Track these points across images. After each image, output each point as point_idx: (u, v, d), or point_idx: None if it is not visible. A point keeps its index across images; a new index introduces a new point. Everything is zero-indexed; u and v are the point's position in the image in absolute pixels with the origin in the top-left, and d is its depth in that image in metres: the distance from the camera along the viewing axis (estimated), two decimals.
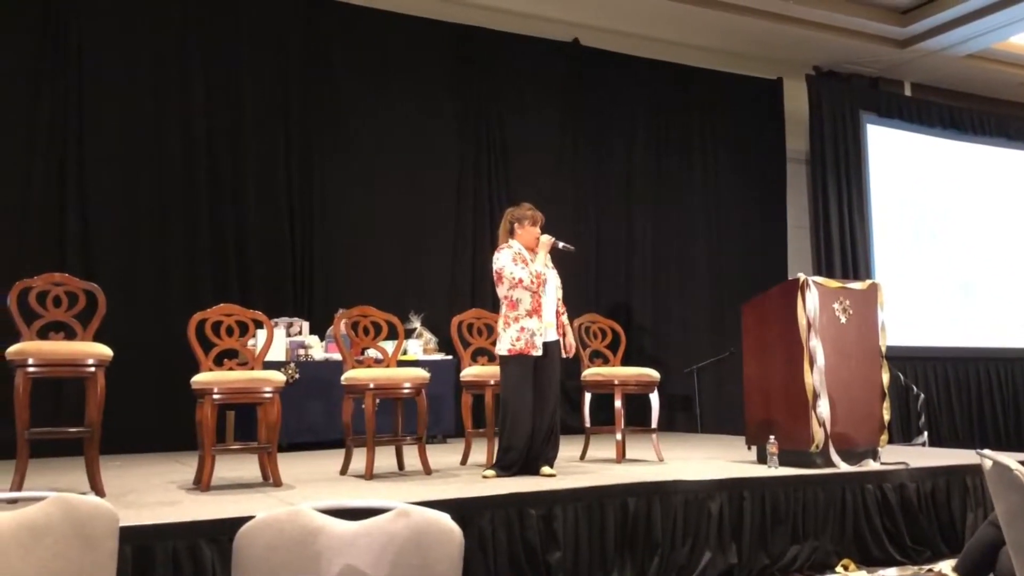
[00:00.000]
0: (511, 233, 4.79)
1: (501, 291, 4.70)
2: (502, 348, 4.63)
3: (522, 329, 4.58)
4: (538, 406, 4.58)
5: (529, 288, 4.60)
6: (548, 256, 4.80)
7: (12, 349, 3.76)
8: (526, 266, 4.64)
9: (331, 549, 1.54)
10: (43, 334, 3.93)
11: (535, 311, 4.60)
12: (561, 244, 4.81)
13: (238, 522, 1.80)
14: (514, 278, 4.60)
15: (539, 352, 4.57)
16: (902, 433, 9.16)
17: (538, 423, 4.57)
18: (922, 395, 8.91)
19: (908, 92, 11.02)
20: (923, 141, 10.80)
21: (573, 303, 8.25)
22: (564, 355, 4.83)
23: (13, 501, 1.81)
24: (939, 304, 10.48)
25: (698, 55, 9.62)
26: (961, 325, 10.59)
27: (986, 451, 2.81)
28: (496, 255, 4.73)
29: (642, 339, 8.86)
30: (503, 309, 4.68)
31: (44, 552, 1.59)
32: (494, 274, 4.72)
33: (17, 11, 6.68)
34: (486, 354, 5.44)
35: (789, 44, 9.65)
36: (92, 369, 3.83)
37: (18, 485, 3.70)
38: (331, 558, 1.53)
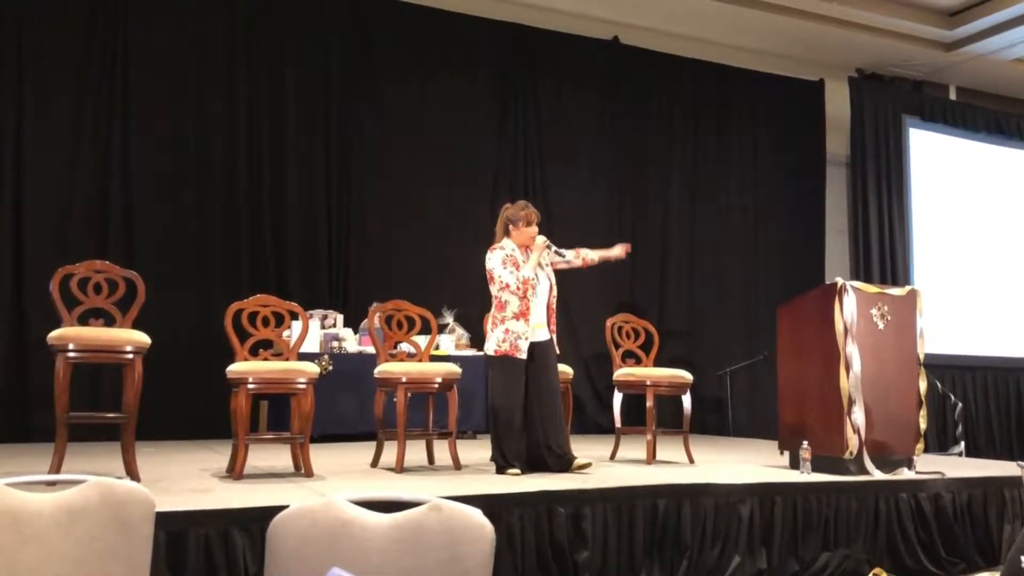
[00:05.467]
0: (507, 232, 4.78)
1: (492, 290, 4.72)
2: (489, 348, 4.68)
3: (507, 331, 4.59)
4: (536, 407, 4.58)
5: (515, 294, 4.61)
6: (546, 253, 4.80)
7: (53, 334, 3.83)
8: (516, 270, 4.64)
9: (363, 541, 1.55)
10: (83, 320, 3.99)
11: (522, 315, 4.60)
12: (554, 248, 4.79)
13: (270, 511, 1.82)
14: (502, 282, 4.63)
15: (522, 355, 4.58)
16: (938, 442, 9.02)
17: (543, 423, 4.58)
18: (959, 404, 8.76)
19: (953, 96, 10.84)
20: (967, 146, 10.62)
21: (606, 302, 8.30)
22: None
23: (52, 483, 1.84)
24: (979, 312, 10.29)
25: (739, 55, 9.53)
26: (1002, 334, 10.40)
27: None
28: (488, 255, 4.75)
29: (675, 340, 8.79)
30: (493, 308, 4.72)
31: (82, 534, 1.62)
32: (487, 272, 4.74)
33: (65, 8, 6.79)
34: None
35: (832, 46, 9.52)
36: (130, 356, 3.88)
37: (57, 468, 3.76)
38: (363, 550, 1.54)
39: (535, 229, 4.74)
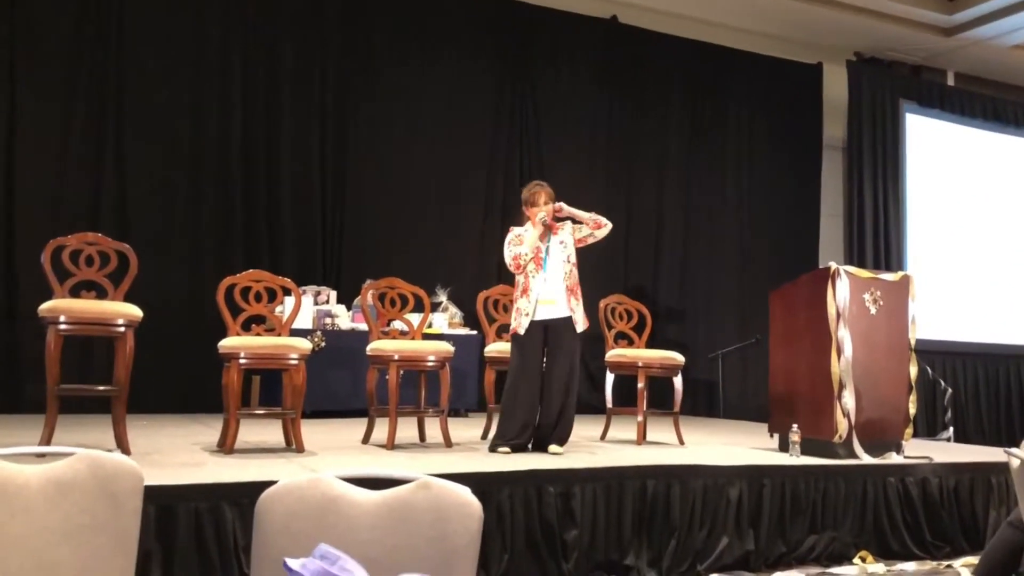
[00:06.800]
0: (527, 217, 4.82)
1: None
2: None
3: (517, 310, 4.68)
4: (546, 388, 4.60)
5: (514, 271, 4.73)
6: (570, 228, 4.75)
7: (44, 306, 3.81)
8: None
9: (351, 518, 1.55)
10: (75, 292, 3.98)
11: (525, 291, 4.67)
12: (540, 215, 4.72)
13: (260, 486, 1.82)
14: (505, 261, 4.76)
15: (521, 331, 4.62)
16: (927, 427, 9.08)
17: (545, 402, 4.59)
18: (949, 390, 8.80)
19: (951, 82, 10.82)
20: (964, 132, 10.61)
21: (601, 283, 8.28)
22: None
23: (41, 455, 1.84)
24: (971, 299, 10.33)
25: (738, 37, 9.49)
26: (992, 321, 10.44)
27: (1014, 449, 2.77)
28: None
29: (668, 322, 8.82)
30: None
31: (70, 507, 1.62)
32: None
33: None
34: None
35: (831, 29, 9.49)
36: (122, 329, 3.87)
37: (47, 440, 3.75)
38: (351, 526, 1.54)
39: (538, 208, 4.72)
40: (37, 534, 1.59)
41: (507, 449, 4.47)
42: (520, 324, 4.62)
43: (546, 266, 4.68)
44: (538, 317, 4.62)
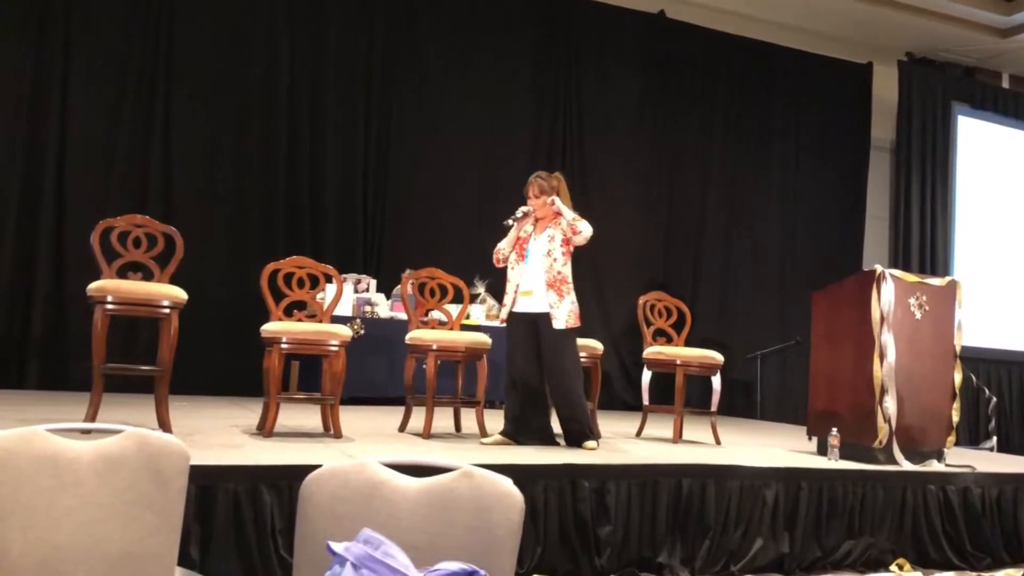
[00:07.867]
0: None
1: None
2: None
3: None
4: (547, 379, 4.61)
5: (495, 265, 4.79)
6: (564, 223, 4.61)
7: (93, 286, 3.88)
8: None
9: (394, 503, 1.56)
10: (122, 273, 4.05)
11: (508, 282, 4.72)
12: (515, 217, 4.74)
13: (299, 469, 1.84)
14: None
15: (501, 321, 4.75)
16: (970, 436, 8.91)
17: (554, 397, 4.63)
18: (994, 398, 8.64)
19: (1006, 84, 10.58)
20: (1019, 136, 10.37)
21: (639, 278, 8.25)
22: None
23: (87, 431, 1.87)
24: (1019, 306, 10.11)
25: (787, 35, 9.37)
26: None
27: None
28: None
29: (707, 320, 8.74)
30: None
31: (119, 483, 1.64)
32: None
33: None
34: None
35: (883, 28, 9.33)
36: (167, 310, 3.92)
37: (91, 417, 3.82)
38: (394, 512, 1.55)
39: (529, 200, 4.72)
40: (86, 508, 1.62)
41: (493, 438, 4.47)
42: (501, 314, 4.72)
43: (527, 258, 4.66)
44: (518, 309, 4.62)
